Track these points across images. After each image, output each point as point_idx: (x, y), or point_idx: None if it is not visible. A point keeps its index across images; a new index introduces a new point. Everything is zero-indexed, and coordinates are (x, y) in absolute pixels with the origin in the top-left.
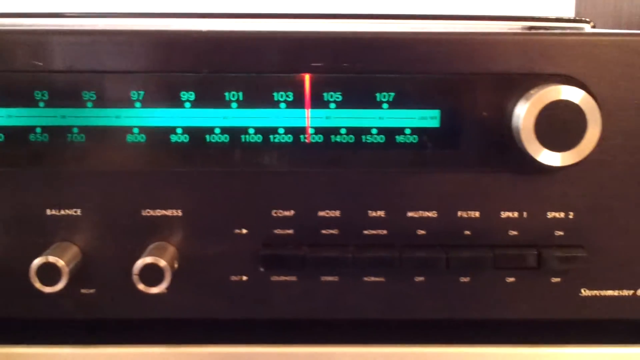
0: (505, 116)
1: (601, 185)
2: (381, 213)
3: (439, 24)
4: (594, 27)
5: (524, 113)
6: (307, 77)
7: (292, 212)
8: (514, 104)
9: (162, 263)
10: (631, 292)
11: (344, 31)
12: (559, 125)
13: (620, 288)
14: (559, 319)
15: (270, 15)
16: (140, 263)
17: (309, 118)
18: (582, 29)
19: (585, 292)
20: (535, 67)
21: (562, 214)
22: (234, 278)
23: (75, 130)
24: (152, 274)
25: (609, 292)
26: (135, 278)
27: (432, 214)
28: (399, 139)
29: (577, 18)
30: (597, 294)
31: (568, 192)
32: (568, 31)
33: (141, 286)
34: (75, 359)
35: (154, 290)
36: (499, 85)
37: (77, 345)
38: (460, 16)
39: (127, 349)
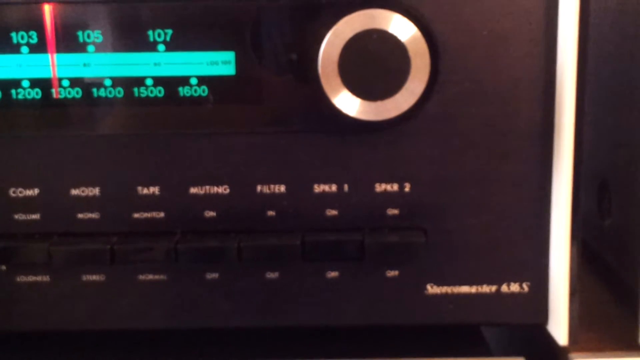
0: (315, 58)
1: (446, 146)
2: (155, 189)
3: None
4: None
5: (324, 46)
6: (46, 8)
7: (36, 191)
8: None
9: None
10: (493, 288)
11: None
12: (372, 66)
13: (479, 283)
14: (399, 324)
15: None
16: None
17: (54, 65)
18: None
19: (432, 290)
20: None
21: (395, 187)
22: None
23: None
24: None
25: (464, 289)
26: None
27: (223, 189)
28: (183, 91)
29: None
30: (448, 292)
31: (403, 157)
32: None
33: None
34: None
35: None
36: (308, 17)
37: None
38: None
39: None
